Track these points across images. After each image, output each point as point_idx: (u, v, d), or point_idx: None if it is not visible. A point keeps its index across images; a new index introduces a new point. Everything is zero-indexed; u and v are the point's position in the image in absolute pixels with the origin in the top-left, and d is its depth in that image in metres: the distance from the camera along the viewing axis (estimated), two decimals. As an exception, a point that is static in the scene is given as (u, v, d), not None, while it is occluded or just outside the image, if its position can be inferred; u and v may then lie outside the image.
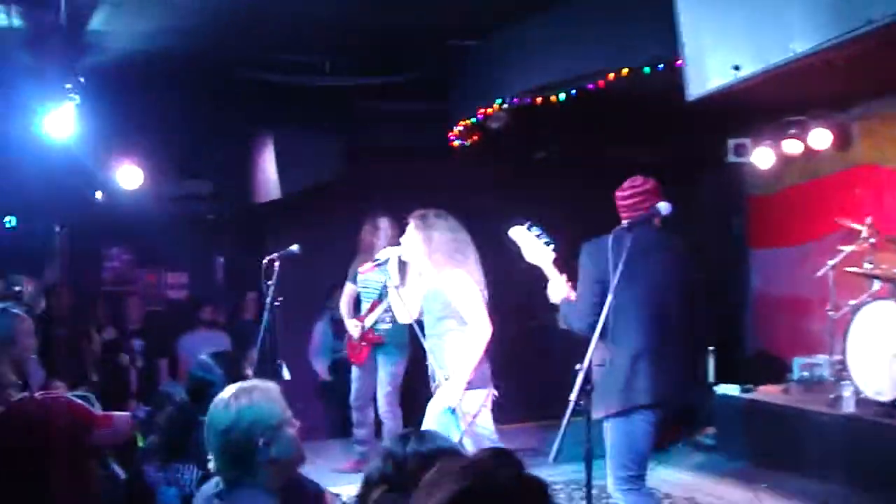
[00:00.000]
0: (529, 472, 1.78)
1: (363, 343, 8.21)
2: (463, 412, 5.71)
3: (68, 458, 3.08)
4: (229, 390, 3.34)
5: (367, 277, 8.04)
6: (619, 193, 5.23)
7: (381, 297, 7.93)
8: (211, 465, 3.32)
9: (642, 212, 4.97)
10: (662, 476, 7.97)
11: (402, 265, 6.20)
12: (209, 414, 3.30)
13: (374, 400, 8.29)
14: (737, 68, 5.29)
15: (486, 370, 5.86)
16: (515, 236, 5.27)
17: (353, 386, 8.38)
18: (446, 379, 5.74)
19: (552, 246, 5.17)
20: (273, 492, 3.29)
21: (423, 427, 5.64)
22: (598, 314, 4.56)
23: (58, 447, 3.04)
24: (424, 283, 6.01)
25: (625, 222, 4.89)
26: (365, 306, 8.24)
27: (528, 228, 5.23)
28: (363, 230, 8.32)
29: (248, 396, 3.29)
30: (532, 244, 5.20)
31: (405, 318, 6.19)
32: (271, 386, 3.44)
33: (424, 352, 6.02)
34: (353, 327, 8.25)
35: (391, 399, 8.12)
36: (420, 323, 6.05)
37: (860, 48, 4.88)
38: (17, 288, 7.92)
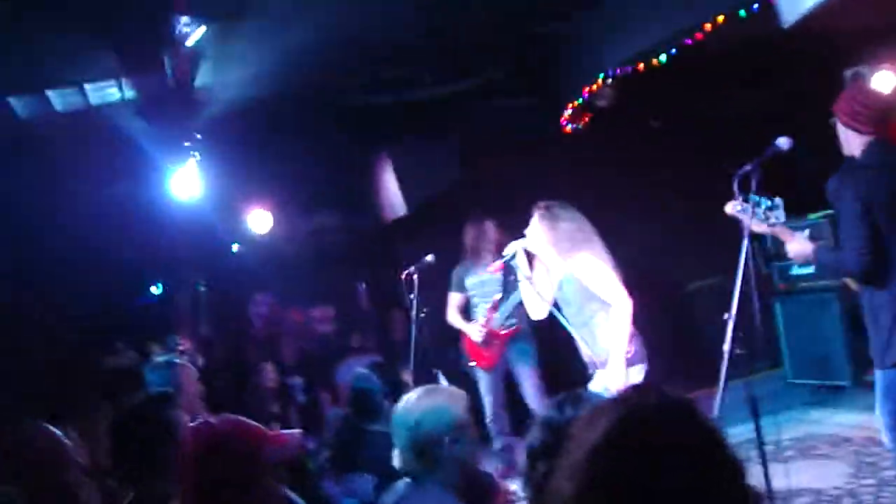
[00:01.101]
0: (673, 394, 1.80)
1: (493, 343, 7.89)
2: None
3: (248, 473, 3.20)
4: (418, 390, 3.53)
5: (482, 279, 7.85)
6: (856, 105, 4.79)
7: (507, 291, 7.63)
8: (395, 462, 3.45)
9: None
10: (838, 420, 7.80)
11: (528, 258, 6.08)
12: (397, 410, 3.48)
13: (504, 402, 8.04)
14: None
15: (641, 345, 5.76)
16: (733, 212, 4.90)
17: (489, 395, 7.98)
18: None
19: (779, 209, 4.83)
20: (454, 489, 3.41)
21: None
22: (875, 249, 4.30)
23: (239, 463, 3.16)
24: (556, 273, 5.91)
25: (865, 139, 4.63)
26: (483, 308, 7.94)
27: (746, 200, 4.83)
28: (467, 235, 8.14)
29: (438, 396, 3.49)
30: (754, 215, 4.81)
31: (539, 312, 6.14)
32: (458, 390, 3.63)
33: (555, 343, 5.94)
34: (476, 332, 7.90)
35: (543, 390, 7.78)
36: (552, 316, 5.94)
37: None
38: (177, 347, 8.22)
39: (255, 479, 3.16)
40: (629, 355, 5.63)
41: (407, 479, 3.47)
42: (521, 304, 7.28)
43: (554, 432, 2.67)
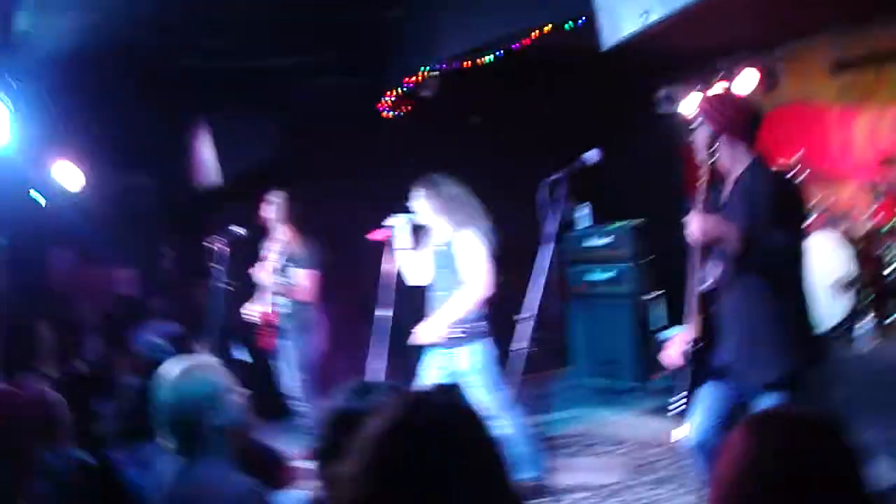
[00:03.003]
0: (465, 402, 1.94)
1: (269, 326, 7.62)
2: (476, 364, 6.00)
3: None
4: (168, 367, 3.44)
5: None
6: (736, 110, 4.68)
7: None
8: (163, 444, 3.38)
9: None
10: (621, 419, 8.17)
11: (415, 229, 6.37)
12: (156, 395, 3.38)
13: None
14: (645, 14, 5.43)
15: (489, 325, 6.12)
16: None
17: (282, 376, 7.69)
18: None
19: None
20: (229, 458, 3.36)
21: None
22: None
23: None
24: (437, 242, 6.25)
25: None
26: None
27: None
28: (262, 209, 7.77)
29: (187, 372, 3.39)
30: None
31: (419, 280, 6.37)
32: (208, 359, 3.61)
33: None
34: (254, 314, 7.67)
35: (308, 382, 7.52)
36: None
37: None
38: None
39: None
40: (481, 329, 6.06)
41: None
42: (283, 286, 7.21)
43: (344, 426, 2.52)
